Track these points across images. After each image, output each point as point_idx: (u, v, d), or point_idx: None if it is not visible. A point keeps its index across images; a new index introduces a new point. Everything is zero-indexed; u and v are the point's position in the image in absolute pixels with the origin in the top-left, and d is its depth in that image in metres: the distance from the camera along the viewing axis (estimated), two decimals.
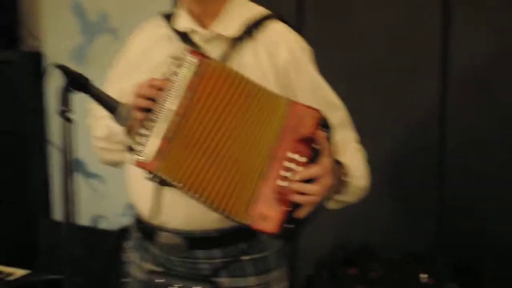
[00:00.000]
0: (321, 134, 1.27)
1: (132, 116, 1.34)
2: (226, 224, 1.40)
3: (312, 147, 1.27)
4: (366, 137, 1.58)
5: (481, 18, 2.47)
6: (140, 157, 1.29)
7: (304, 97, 1.43)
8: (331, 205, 1.46)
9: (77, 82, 1.27)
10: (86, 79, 1.28)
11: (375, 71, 2.62)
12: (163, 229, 1.46)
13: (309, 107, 1.30)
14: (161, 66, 1.39)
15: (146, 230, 1.50)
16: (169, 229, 1.46)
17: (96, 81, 3.59)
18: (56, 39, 3.37)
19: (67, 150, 1.23)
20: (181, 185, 1.30)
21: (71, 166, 1.22)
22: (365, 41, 2.64)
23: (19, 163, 3.36)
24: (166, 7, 3.03)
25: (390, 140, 2.60)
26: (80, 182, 3.30)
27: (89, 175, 3.33)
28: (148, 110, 1.31)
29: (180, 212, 1.44)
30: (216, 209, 1.30)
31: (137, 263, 1.56)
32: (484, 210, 2.48)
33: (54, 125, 3.32)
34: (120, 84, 1.55)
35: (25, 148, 3.36)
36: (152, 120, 1.30)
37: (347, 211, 1.54)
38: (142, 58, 1.55)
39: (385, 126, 2.60)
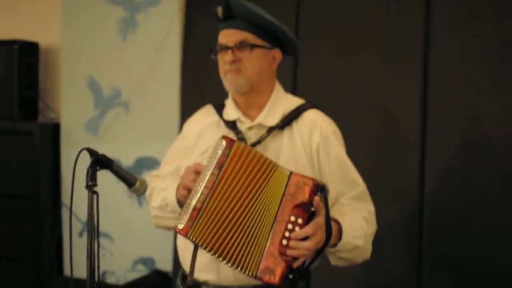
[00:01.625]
0: (316, 198, 1.55)
1: (181, 193, 1.66)
2: (258, 282, 1.62)
3: (309, 209, 1.56)
4: None
5: (455, 95, 2.76)
6: (178, 224, 1.61)
7: (331, 174, 1.72)
8: (334, 261, 1.71)
9: (102, 162, 1.54)
10: (110, 160, 1.55)
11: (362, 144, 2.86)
12: (204, 284, 1.72)
13: (305, 177, 1.58)
14: (209, 149, 1.69)
15: (191, 285, 1.72)
16: (209, 284, 1.72)
17: (107, 148, 3.81)
18: (72, 112, 3.56)
19: (93, 217, 1.51)
20: (205, 247, 1.59)
21: (97, 230, 1.49)
22: (354, 116, 2.91)
23: (35, 224, 3.51)
24: (174, 85, 3.31)
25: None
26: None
27: (99, 234, 3.50)
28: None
29: (218, 269, 1.69)
30: (233, 266, 1.58)
31: None
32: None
33: (66, 189, 3.51)
34: (177, 162, 1.84)
35: (40, 211, 3.51)
36: (191, 195, 1.61)
37: None
38: (195, 142, 1.83)
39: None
